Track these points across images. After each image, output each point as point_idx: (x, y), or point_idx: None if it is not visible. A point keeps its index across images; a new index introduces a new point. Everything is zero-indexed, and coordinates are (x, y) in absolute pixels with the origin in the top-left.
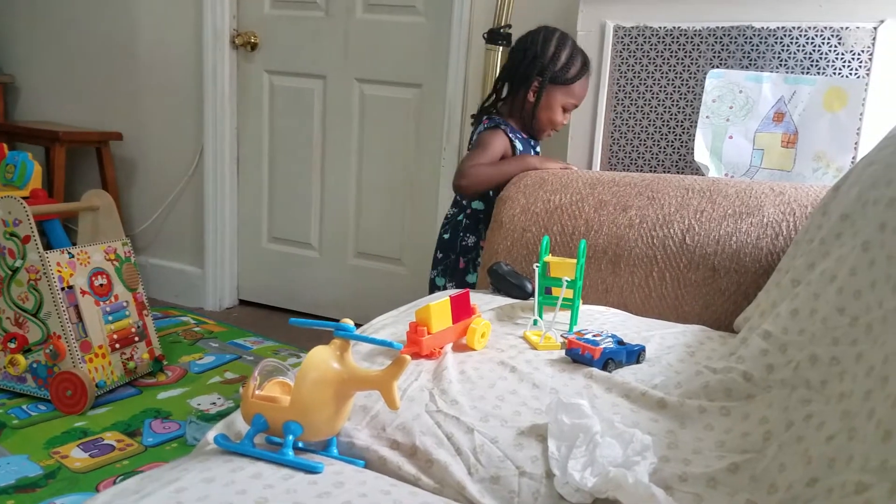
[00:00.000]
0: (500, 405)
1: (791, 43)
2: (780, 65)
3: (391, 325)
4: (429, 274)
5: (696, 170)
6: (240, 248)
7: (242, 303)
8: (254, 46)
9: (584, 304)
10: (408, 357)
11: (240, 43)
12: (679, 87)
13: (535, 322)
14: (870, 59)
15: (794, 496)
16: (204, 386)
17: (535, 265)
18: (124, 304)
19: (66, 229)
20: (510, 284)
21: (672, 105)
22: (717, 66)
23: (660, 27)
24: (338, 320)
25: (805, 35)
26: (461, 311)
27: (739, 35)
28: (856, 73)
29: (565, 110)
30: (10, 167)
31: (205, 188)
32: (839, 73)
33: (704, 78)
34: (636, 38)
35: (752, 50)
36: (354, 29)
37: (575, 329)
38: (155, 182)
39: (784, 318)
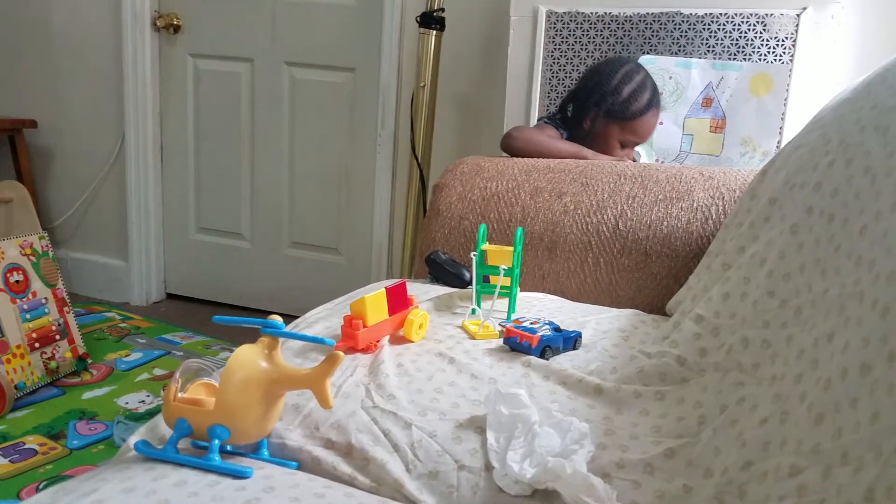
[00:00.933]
0: (439, 398)
1: (718, 29)
2: (708, 51)
3: (325, 319)
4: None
5: None
6: (166, 239)
7: (170, 296)
8: (177, 28)
9: (521, 291)
10: (341, 354)
11: (161, 25)
12: None
13: (474, 311)
14: (793, 46)
15: (730, 480)
16: (131, 384)
17: (472, 254)
18: (43, 300)
19: None
20: (448, 273)
21: None
22: (648, 53)
23: (591, 13)
24: (266, 316)
25: (731, 21)
26: (398, 302)
27: (669, 21)
28: (780, 59)
29: (623, 146)
30: None
31: (127, 177)
32: (764, 59)
33: None
34: (568, 23)
35: (681, 36)
36: (282, 10)
37: (513, 317)
38: (74, 172)
39: (716, 302)
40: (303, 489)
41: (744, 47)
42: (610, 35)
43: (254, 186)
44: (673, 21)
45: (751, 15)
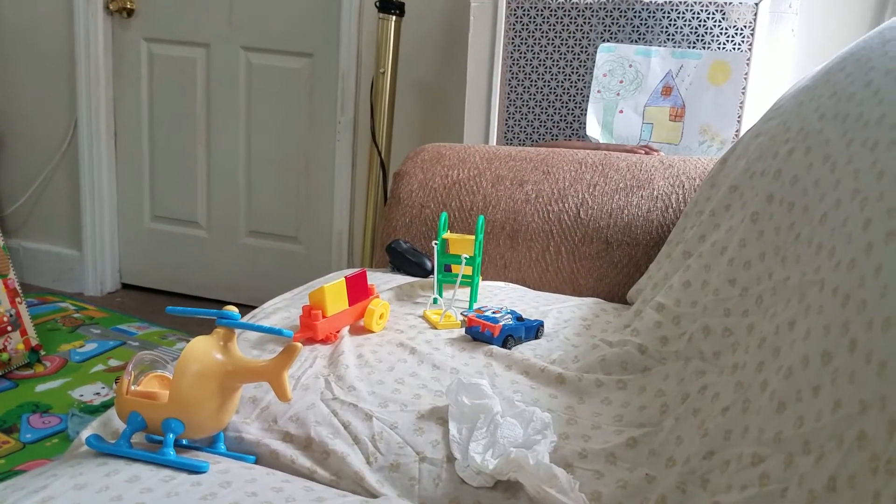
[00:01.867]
0: (400, 389)
1: (678, 17)
2: (668, 39)
3: (284, 309)
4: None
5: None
6: (120, 228)
7: (126, 287)
8: (130, 12)
9: (483, 280)
10: (299, 345)
11: (115, 8)
12: (571, 62)
13: (435, 300)
14: (752, 34)
15: (692, 469)
16: (86, 375)
17: (434, 242)
18: None
19: None
20: (409, 262)
21: (565, 79)
22: (608, 41)
23: (552, 0)
24: (224, 306)
25: (691, 10)
26: (358, 291)
27: (628, 9)
28: (739, 48)
29: None
30: None
31: (80, 164)
32: (723, 48)
33: (595, 52)
34: (528, 10)
35: (640, 24)
36: None
37: (475, 306)
38: (25, 159)
39: (677, 290)
40: (260, 483)
41: (703, 35)
42: (570, 22)
43: (210, 174)
44: (633, 9)
45: (710, 3)
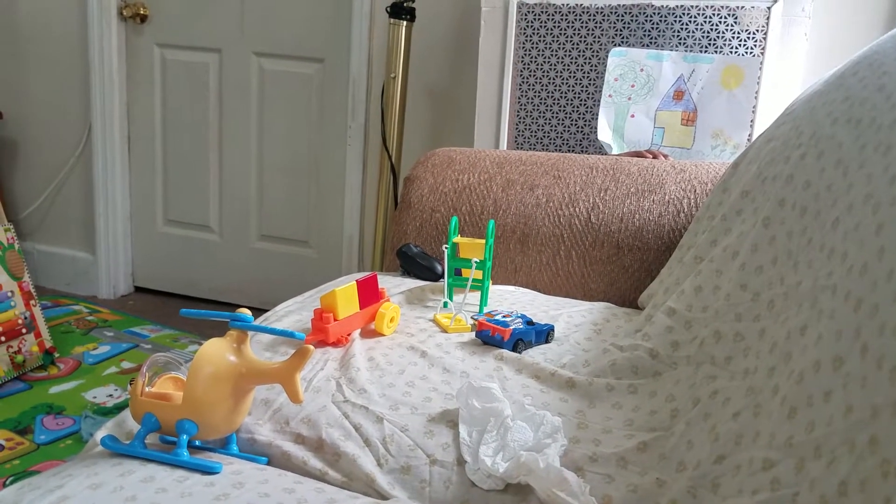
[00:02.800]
0: (411, 392)
1: (689, 22)
2: (680, 43)
3: (296, 312)
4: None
5: (600, 149)
6: (134, 231)
7: (138, 290)
8: (143, 18)
9: (493, 284)
10: (311, 347)
11: (128, 15)
12: (582, 66)
13: (446, 304)
14: (764, 38)
15: (703, 474)
16: (99, 377)
17: (444, 246)
18: (9, 294)
19: None
20: (420, 266)
21: (576, 84)
22: (619, 45)
23: (563, 4)
24: (236, 309)
25: (703, 14)
26: (369, 295)
27: (640, 13)
28: (751, 52)
29: None
30: None
31: (94, 169)
32: (735, 52)
33: (607, 56)
34: (539, 15)
35: (652, 28)
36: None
37: (485, 310)
38: (40, 163)
39: (688, 295)
40: (273, 484)
41: (715, 40)
42: (581, 27)
43: (222, 178)
44: (644, 13)
45: (722, 7)
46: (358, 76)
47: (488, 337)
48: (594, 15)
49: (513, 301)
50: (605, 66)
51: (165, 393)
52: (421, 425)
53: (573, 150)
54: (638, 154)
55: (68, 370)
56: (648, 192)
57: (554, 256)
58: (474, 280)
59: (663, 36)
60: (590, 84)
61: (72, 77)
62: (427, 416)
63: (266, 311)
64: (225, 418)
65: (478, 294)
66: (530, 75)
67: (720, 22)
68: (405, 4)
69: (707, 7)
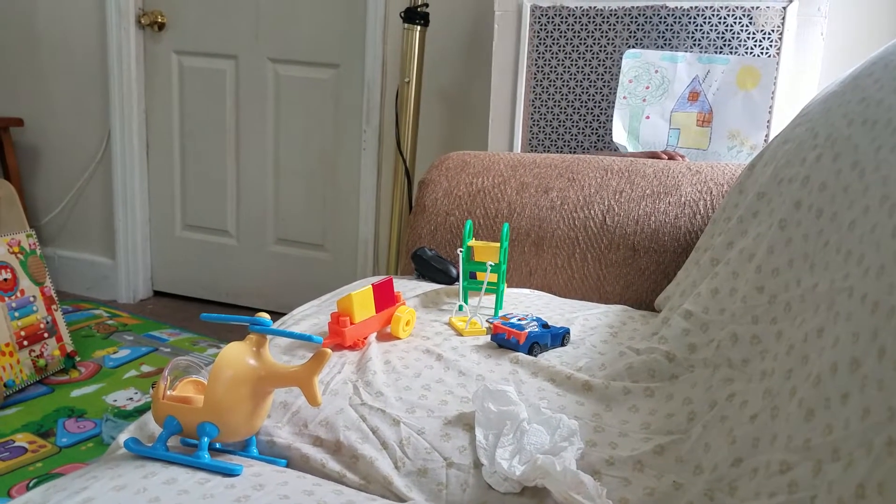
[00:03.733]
0: (427, 395)
1: (704, 23)
2: (694, 44)
3: (313, 316)
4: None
5: (615, 150)
6: (152, 236)
7: (157, 294)
8: (161, 26)
9: (508, 287)
10: (328, 351)
11: (146, 22)
12: (596, 68)
13: (461, 307)
14: (780, 39)
15: (720, 476)
16: (120, 381)
17: (459, 250)
18: (31, 298)
19: None
20: (434, 270)
21: (590, 86)
22: (633, 47)
23: (576, 7)
24: (254, 313)
25: (717, 15)
26: (384, 299)
27: (654, 15)
28: (767, 53)
29: None
30: None
31: (113, 175)
32: (751, 53)
33: (621, 58)
34: (553, 18)
35: (666, 30)
36: (266, 7)
37: (500, 313)
38: (60, 169)
39: (705, 298)
40: (292, 487)
41: (730, 40)
42: (595, 29)
43: (239, 183)
44: (658, 14)
45: (737, 8)
46: (372, 81)
47: (504, 340)
48: (608, 17)
49: (528, 304)
50: (620, 68)
51: (187, 396)
52: (437, 428)
53: (588, 153)
54: (653, 154)
55: (89, 374)
56: (664, 194)
57: (569, 259)
58: (489, 283)
59: (678, 37)
60: (604, 86)
61: (91, 84)
62: (443, 419)
63: (283, 314)
64: (245, 421)
65: (493, 297)
66: (544, 78)
67: (735, 22)
68: (419, 9)
69: (722, 8)
